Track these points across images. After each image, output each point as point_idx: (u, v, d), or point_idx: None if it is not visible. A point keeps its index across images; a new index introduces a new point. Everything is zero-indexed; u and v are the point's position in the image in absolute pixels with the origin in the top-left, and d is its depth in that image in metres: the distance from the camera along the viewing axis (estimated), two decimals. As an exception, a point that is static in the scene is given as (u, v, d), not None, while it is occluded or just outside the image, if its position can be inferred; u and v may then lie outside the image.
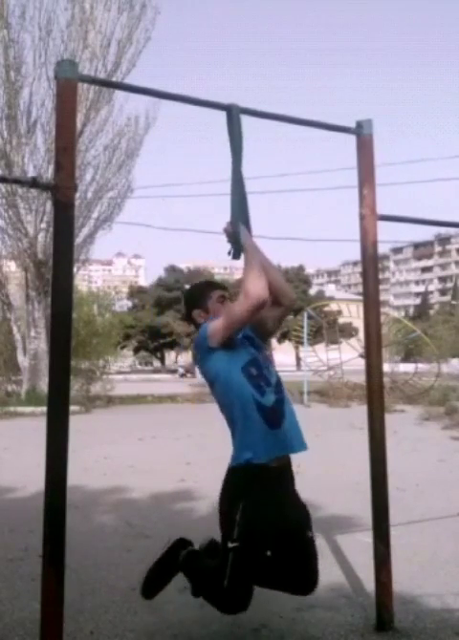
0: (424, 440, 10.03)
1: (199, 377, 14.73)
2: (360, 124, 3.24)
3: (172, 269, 51.65)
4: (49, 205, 15.51)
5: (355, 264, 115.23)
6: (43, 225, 16.89)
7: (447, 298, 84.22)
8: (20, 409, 15.18)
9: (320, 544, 2.84)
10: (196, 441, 9.70)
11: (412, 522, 4.89)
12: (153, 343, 48.72)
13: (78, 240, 16.87)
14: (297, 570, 2.75)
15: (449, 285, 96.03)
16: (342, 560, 4.07)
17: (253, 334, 2.84)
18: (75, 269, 11.49)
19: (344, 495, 5.80)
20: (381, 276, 3.60)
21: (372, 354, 3.24)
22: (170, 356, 56.48)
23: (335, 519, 5.05)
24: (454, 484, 6.48)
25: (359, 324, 7.35)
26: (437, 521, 4.98)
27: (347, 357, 18.19)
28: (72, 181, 2.56)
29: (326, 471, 7.08)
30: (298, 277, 51.14)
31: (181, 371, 42.13)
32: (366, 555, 3.37)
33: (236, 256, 2.83)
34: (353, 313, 17.51)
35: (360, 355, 14.73)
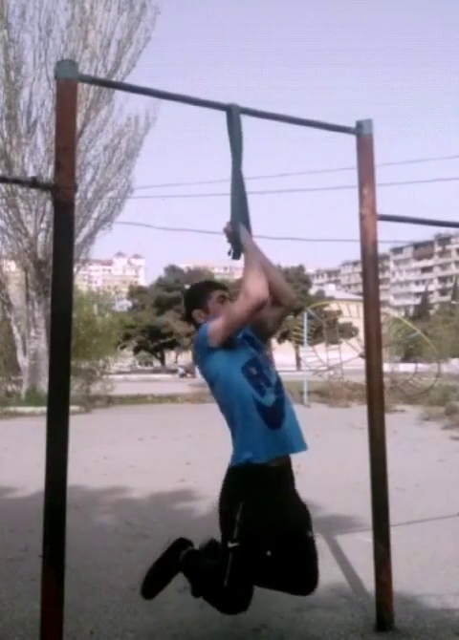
0: (424, 440, 10.03)
1: (199, 377, 14.73)
2: (360, 124, 3.24)
3: (172, 269, 51.66)
4: (49, 205, 15.51)
5: (355, 264, 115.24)
6: (43, 225, 16.89)
7: (447, 298, 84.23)
8: (20, 409, 15.18)
9: (320, 543, 2.85)
10: (196, 441, 9.70)
11: (412, 522, 4.89)
12: (153, 343, 48.72)
13: (78, 240, 16.86)
14: (297, 570, 2.75)
15: (449, 285, 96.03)
16: (342, 560, 4.07)
17: (253, 334, 2.84)
18: (75, 269, 11.49)
19: (344, 495, 5.80)
20: (381, 276, 3.60)
21: (372, 354, 3.24)
22: (170, 356, 56.49)
23: (335, 519, 5.05)
24: (454, 484, 6.48)
25: (359, 324, 7.35)
26: (437, 521, 4.98)
27: (347, 357, 18.19)
28: (72, 181, 2.56)
29: (326, 471, 7.08)
30: (298, 277, 51.12)
31: (181, 371, 42.13)
32: (366, 555, 3.37)
33: (236, 256, 2.83)
34: (353, 313, 17.51)
35: (361, 355, 14.73)
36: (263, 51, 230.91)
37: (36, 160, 16.70)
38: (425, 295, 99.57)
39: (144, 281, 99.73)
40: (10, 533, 4.79)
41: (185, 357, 47.15)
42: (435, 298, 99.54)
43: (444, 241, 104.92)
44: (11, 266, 19.14)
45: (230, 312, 2.63)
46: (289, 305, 2.90)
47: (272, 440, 2.63)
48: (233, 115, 2.91)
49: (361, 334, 4.10)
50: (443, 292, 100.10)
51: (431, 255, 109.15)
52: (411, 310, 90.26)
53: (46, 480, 2.48)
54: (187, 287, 3.15)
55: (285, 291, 2.87)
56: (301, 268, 53.23)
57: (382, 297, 35.64)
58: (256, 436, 2.61)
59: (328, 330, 21.72)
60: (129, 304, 50.94)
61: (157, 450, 9.20)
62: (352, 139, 3.28)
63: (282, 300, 2.85)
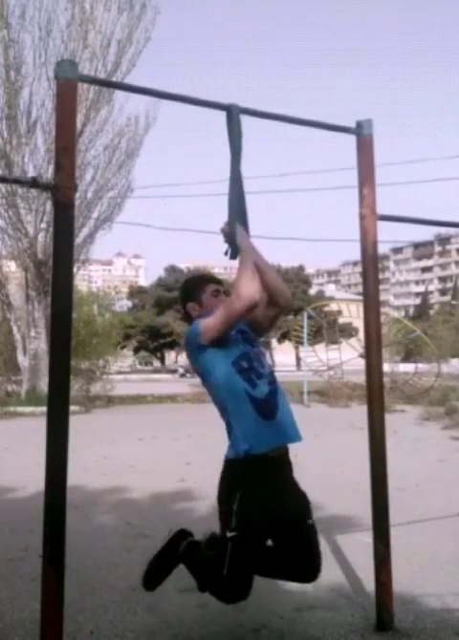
0: (424, 440, 10.03)
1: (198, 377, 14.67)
2: (360, 124, 3.24)
3: (172, 269, 51.66)
4: (49, 205, 15.51)
5: (355, 264, 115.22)
6: (43, 225, 16.89)
7: (447, 298, 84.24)
8: (20, 409, 15.17)
9: (320, 544, 2.85)
10: (196, 441, 9.69)
11: (412, 522, 4.89)
12: (153, 343, 48.72)
13: (78, 240, 16.86)
14: (299, 558, 2.76)
15: (449, 285, 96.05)
16: (342, 560, 4.07)
17: (248, 329, 2.87)
18: (75, 269, 11.49)
19: (344, 495, 5.80)
20: (381, 276, 3.60)
21: (372, 354, 3.24)
22: (170, 356, 56.48)
23: (335, 519, 5.05)
24: (454, 484, 6.49)
25: (359, 324, 7.35)
26: (437, 521, 4.98)
27: (347, 357, 18.19)
28: (72, 181, 2.57)
29: (326, 471, 7.08)
30: (298, 277, 51.14)
31: (181, 371, 42.10)
32: (366, 555, 3.37)
33: (233, 256, 2.86)
34: (353, 313, 17.51)
35: (360, 355, 14.74)
36: (263, 51, 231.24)
37: (36, 160, 16.72)
38: (425, 295, 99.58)
39: (144, 281, 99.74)
40: (11, 533, 4.79)
41: (185, 357, 47.10)
42: (435, 298, 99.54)
43: (444, 241, 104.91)
44: (11, 266, 19.14)
45: (222, 312, 2.66)
46: (285, 305, 2.92)
47: (267, 431, 2.65)
48: (233, 115, 2.91)
49: (361, 334, 4.10)
50: (443, 292, 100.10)
51: (431, 255, 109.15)
52: (411, 310, 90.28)
53: (46, 480, 2.48)
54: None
55: (281, 292, 2.88)
56: (301, 268, 53.24)
57: (382, 297, 35.64)
58: (251, 428, 2.63)
59: (328, 330, 21.72)
60: (129, 304, 50.95)
61: (157, 450, 9.20)
62: (352, 139, 3.28)
63: (279, 300, 2.87)
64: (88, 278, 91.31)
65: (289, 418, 2.75)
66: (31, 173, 16.29)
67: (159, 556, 2.97)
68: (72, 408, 2.74)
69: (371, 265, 3.24)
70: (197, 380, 2.89)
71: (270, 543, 2.79)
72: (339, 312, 22.41)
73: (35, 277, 17.03)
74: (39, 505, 2.52)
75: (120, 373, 32.74)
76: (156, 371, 51.18)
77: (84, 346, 18.16)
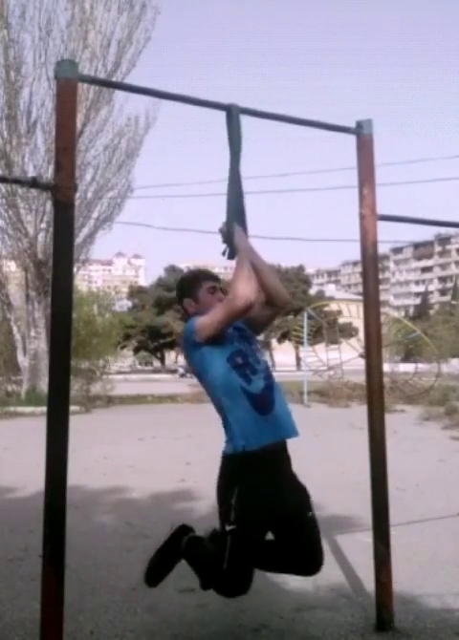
0: (424, 440, 10.03)
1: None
2: (360, 124, 3.24)
3: (172, 269, 51.63)
4: (49, 205, 15.51)
5: (355, 264, 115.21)
6: (43, 225, 16.89)
7: (447, 298, 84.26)
8: (20, 409, 15.18)
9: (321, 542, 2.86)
10: (196, 441, 9.69)
11: (412, 522, 4.89)
12: (153, 343, 48.74)
13: (78, 240, 16.86)
14: (301, 551, 2.76)
15: (449, 285, 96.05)
16: (342, 560, 4.07)
17: (244, 326, 2.88)
18: (75, 269, 11.48)
19: (344, 495, 5.80)
20: (381, 276, 3.60)
21: (372, 354, 3.24)
22: (170, 356, 56.48)
23: (335, 519, 5.05)
24: (454, 484, 6.48)
25: (359, 324, 7.35)
26: (437, 521, 4.98)
27: (347, 357, 18.19)
28: (72, 181, 2.56)
29: (326, 471, 7.08)
30: (298, 277, 51.18)
31: (181, 371, 42.10)
32: (366, 555, 3.37)
33: (231, 256, 2.86)
34: (353, 313, 17.51)
35: (360, 355, 14.74)
36: (263, 51, 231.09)
37: (36, 160, 16.72)
38: (425, 295, 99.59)
39: (144, 281, 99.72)
40: (11, 533, 4.79)
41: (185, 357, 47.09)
42: (435, 298, 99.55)
43: (444, 241, 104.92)
44: (11, 266, 19.14)
45: (218, 311, 2.67)
46: (282, 305, 2.95)
47: (263, 426, 2.66)
48: (233, 115, 2.91)
49: (361, 334, 4.10)
50: (443, 292, 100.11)
51: (431, 255, 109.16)
52: (411, 310, 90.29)
53: (46, 480, 2.48)
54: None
55: (279, 293, 2.90)
56: (301, 268, 53.26)
57: (382, 297, 35.64)
58: (248, 423, 2.65)
59: (328, 330, 21.72)
60: (129, 304, 50.96)
61: (157, 450, 9.20)
62: (352, 139, 3.28)
63: (276, 301, 2.89)
64: (88, 278, 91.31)
65: (285, 413, 2.77)
66: (31, 173, 16.30)
67: (161, 551, 2.99)
68: (72, 408, 2.74)
69: (371, 265, 3.24)
70: (197, 380, 2.90)
71: (271, 537, 2.80)
72: (339, 312, 22.42)
73: (35, 277, 17.04)
74: (39, 505, 2.52)
75: (120, 373, 32.74)
76: (156, 371, 51.19)
77: (84, 346, 18.16)
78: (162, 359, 55.04)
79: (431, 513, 5.21)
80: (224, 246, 2.90)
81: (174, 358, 54.72)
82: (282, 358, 50.32)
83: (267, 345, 51.63)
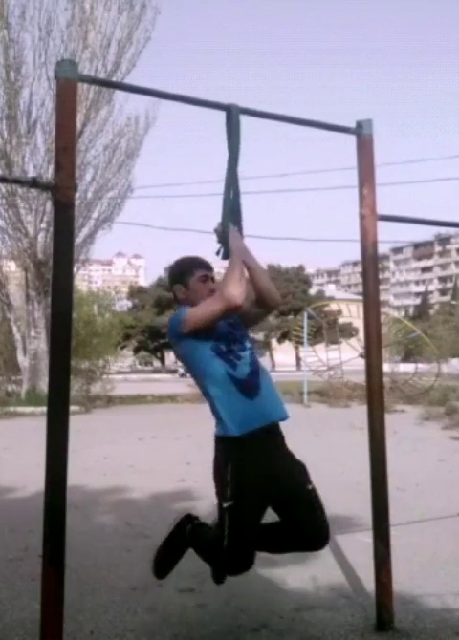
0: (424, 440, 10.03)
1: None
2: (360, 124, 3.24)
3: (172, 269, 51.61)
4: (49, 205, 15.51)
5: (355, 264, 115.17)
6: (43, 225, 16.89)
7: (447, 298, 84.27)
8: (20, 409, 15.18)
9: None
10: (196, 441, 9.68)
11: (412, 522, 4.89)
12: (153, 343, 48.76)
13: (78, 240, 16.86)
14: (305, 525, 2.75)
15: (449, 285, 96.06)
16: (342, 560, 4.07)
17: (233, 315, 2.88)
18: (75, 269, 11.49)
19: (344, 495, 5.80)
20: (381, 276, 3.60)
21: (372, 354, 3.24)
22: (170, 356, 56.43)
23: (335, 519, 5.01)
24: (454, 484, 6.48)
25: (359, 324, 7.35)
26: (437, 521, 4.98)
27: (347, 357, 18.20)
28: (72, 181, 2.56)
29: (326, 471, 7.07)
30: (298, 277, 51.20)
31: (181, 371, 42.12)
32: (366, 555, 3.37)
33: (225, 256, 2.87)
34: (353, 313, 17.52)
35: (360, 355, 14.74)
36: (263, 51, 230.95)
37: (36, 160, 16.72)
38: (425, 295, 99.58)
39: (144, 281, 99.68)
40: (11, 533, 4.79)
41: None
42: (435, 298, 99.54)
43: (444, 241, 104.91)
44: (11, 266, 19.15)
45: (203, 308, 2.70)
46: (273, 306, 3.01)
47: (251, 410, 2.68)
48: (233, 115, 2.91)
49: (361, 334, 4.10)
50: (443, 292, 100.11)
51: (431, 255, 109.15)
52: (411, 310, 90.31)
53: (46, 480, 2.48)
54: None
55: (270, 293, 2.92)
56: (301, 268, 53.28)
57: (382, 297, 35.61)
58: (236, 407, 2.68)
59: (328, 330, 21.72)
60: (129, 304, 50.99)
61: (157, 450, 9.20)
62: (352, 139, 3.28)
63: (267, 301, 2.93)
64: (88, 278, 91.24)
65: (273, 396, 2.80)
66: (31, 173, 16.30)
67: (166, 542, 3.00)
68: (72, 408, 2.75)
69: (371, 265, 3.24)
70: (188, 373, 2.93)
71: (276, 519, 2.81)
72: (339, 312, 22.43)
73: (35, 277, 17.04)
74: (39, 505, 2.52)
75: (119, 373, 32.75)
76: (156, 371, 51.21)
77: (84, 346, 18.16)
78: (162, 359, 55.05)
79: (431, 513, 5.21)
80: (218, 246, 2.91)
81: (174, 358, 54.71)
82: (282, 358, 50.34)
83: (267, 345, 51.65)
